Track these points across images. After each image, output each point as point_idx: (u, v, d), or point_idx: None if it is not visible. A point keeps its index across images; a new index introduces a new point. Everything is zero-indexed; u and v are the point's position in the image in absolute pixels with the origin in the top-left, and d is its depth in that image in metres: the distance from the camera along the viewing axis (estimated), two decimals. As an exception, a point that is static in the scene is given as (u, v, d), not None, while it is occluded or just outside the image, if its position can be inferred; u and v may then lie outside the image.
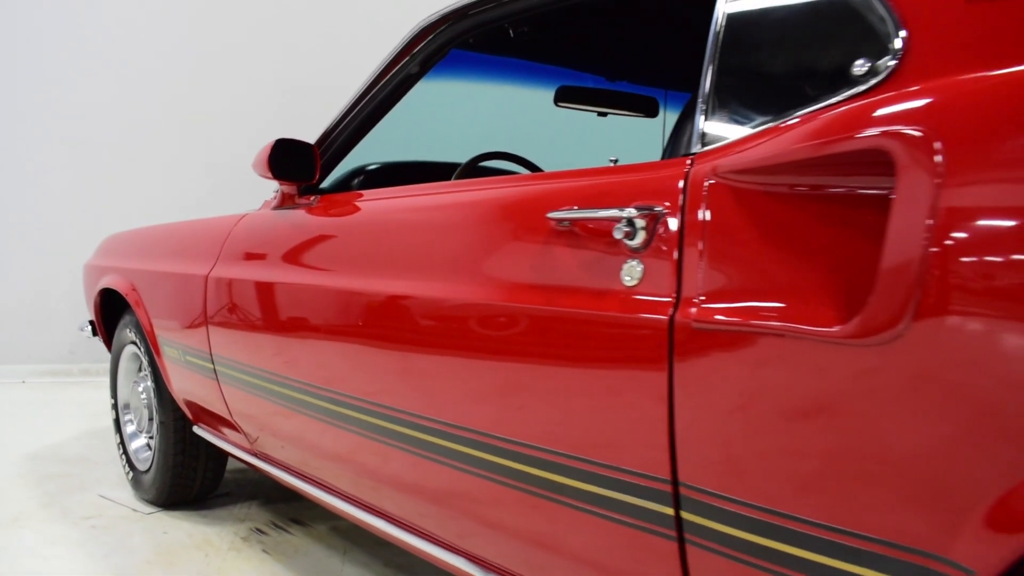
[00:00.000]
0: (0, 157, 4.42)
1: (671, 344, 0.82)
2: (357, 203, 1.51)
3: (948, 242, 0.62)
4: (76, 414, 3.55)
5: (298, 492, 1.71)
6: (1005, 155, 0.62)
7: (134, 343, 2.33)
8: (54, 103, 4.44)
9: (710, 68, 0.91)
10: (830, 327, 0.69)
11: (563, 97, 1.85)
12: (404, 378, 1.23)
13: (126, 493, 2.43)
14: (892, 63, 0.75)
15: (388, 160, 1.83)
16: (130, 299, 2.24)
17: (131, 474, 2.41)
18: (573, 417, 0.94)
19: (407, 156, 1.89)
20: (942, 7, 0.73)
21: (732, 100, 0.89)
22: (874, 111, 0.71)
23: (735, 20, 0.91)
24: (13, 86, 4.42)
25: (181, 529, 2.15)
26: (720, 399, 0.79)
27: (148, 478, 2.31)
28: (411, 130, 1.94)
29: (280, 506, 2.34)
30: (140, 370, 2.38)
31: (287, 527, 2.17)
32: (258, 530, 2.14)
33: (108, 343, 2.60)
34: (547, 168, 1.82)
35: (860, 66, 0.77)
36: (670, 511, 0.85)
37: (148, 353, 2.21)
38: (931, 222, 0.63)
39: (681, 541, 0.85)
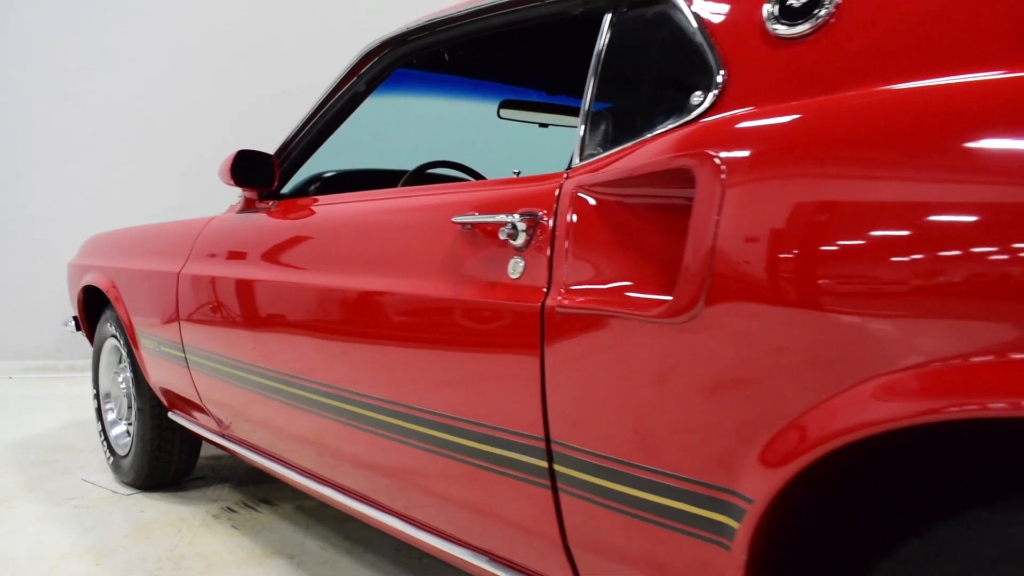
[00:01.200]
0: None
1: (542, 326, 1.00)
2: (312, 207, 1.68)
3: (728, 242, 0.80)
4: (61, 407, 3.71)
5: (260, 468, 1.88)
6: (775, 173, 0.80)
7: (114, 336, 2.50)
8: (40, 108, 4.59)
9: (586, 100, 1.10)
10: (652, 310, 0.88)
11: (506, 109, 2.03)
12: (343, 360, 1.40)
13: (107, 477, 2.60)
14: (714, 96, 0.93)
15: (343, 168, 2.01)
16: (110, 295, 2.41)
17: (112, 459, 2.58)
18: (474, 389, 1.12)
19: (361, 164, 2.06)
20: (751, 53, 0.92)
21: (601, 125, 1.07)
22: (688, 136, 0.90)
23: (606, 58, 1.10)
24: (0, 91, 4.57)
25: (157, 508, 2.32)
26: (580, 370, 0.97)
27: (127, 462, 2.48)
28: (366, 140, 2.11)
29: (250, 488, 2.51)
30: (120, 362, 2.54)
31: (256, 506, 2.34)
32: (229, 509, 2.32)
33: (91, 337, 2.77)
34: (489, 174, 2.00)
35: (696, 97, 0.96)
36: (544, 464, 1.03)
37: (127, 345, 2.38)
38: (715, 226, 0.81)
39: (555, 489, 1.03)
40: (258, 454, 1.88)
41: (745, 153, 0.82)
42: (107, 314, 2.55)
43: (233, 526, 2.18)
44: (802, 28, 0.88)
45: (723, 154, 0.83)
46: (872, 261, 0.70)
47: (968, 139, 0.67)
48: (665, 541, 0.91)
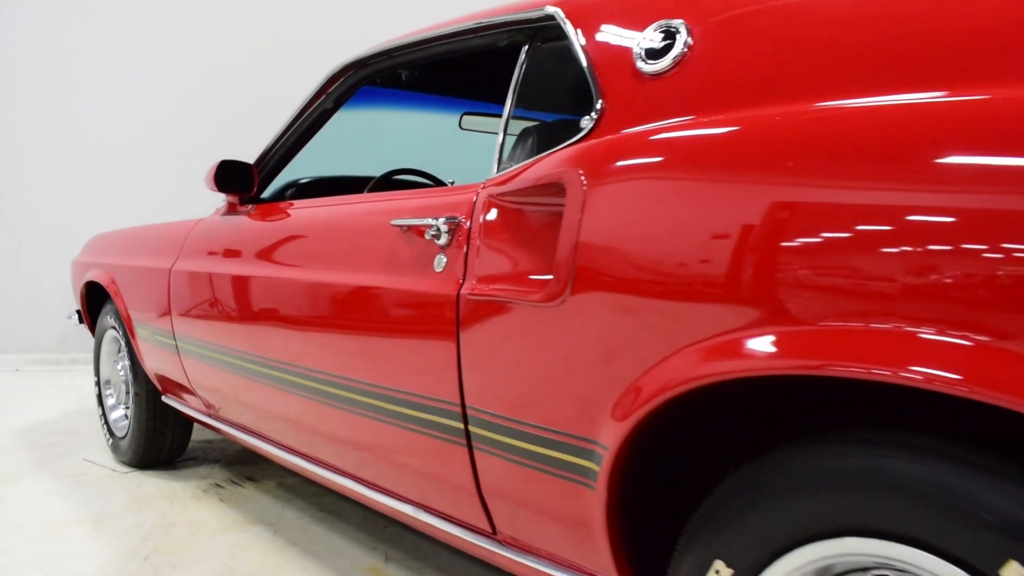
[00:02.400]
0: (-4, 163, 4.80)
1: (458, 310, 1.21)
2: (287, 211, 1.89)
3: (588, 241, 1.01)
4: (65, 396, 3.93)
5: (239, 442, 2.10)
6: (620, 186, 1.01)
7: (114, 328, 2.72)
8: (45, 112, 4.82)
9: (503, 120, 1.31)
10: (535, 296, 1.08)
11: (466, 122, 2.24)
12: (305, 343, 1.62)
13: (107, 457, 2.82)
14: (594, 122, 1.14)
15: (317, 175, 2.22)
16: (110, 290, 2.63)
17: (111, 440, 2.80)
18: (407, 364, 1.34)
19: (335, 171, 2.27)
20: (623, 86, 1.13)
21: (513, 142, 1.28)
22: (567, 155, 1.11)
23: (521, 85, 1.31)
24: (7, 98, 4.80)
25: (152, 484, 2.54)
26: (486, 346, 1.18)
27: (125, 443, 2.70)
28: (341, 149, 2.32)
29: (237, 467, 2.73)
30: (119, 351, 2.76)
31: (241, 483, 2.55)
32: (217, 485, 2.53)
33: (92, 329, 2.99)
34: (449, 179, 2.21)
35: (584, 122, 1.17)
36: (461, 426, 1.24)
37: (125, 335, 2.59)
38: (578, 228, 1.02)
39: (470, 447, 1.24)
40: (236, 429, 2.09)
41: (601, 169, 1.03)
42: (107, 307, 2.77)
43: (220, 499, 2.39)
44: (661, 66, 1.09)
45: (585, 170, 1.04)
46: (678, 257, 0.91)
47: (752, 155, 0.88)
48: (550, 485, 1.12)
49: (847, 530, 0.83)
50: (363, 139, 2.45)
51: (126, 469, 2.70)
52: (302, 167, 2.20)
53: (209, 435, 3.11)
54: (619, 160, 1.02)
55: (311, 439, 1.74)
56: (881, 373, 0.74)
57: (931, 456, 0.77)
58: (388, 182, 2.12)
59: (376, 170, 2.22)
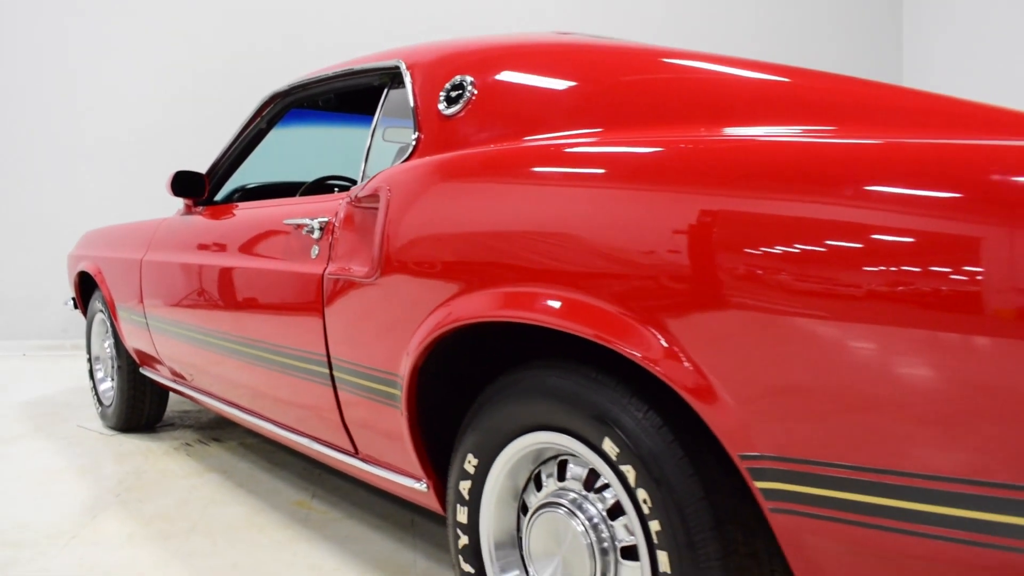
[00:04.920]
0: (4, 168, 5.29)
1: (323, 287, 1.65)
2: (231, 211, 2.34)
3: (390, 234, 1.45)
4: (66, 377, 4.41)
5: (193, 400, 2.55)
6: (410, 195, 1.44)
7: (101, 311, 3.18)
8: (49, 115, 5.31)
9: (368, 144, 1.75)
10: (363, 274, 1.52)
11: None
12: (233, 314, 2.06)
13: (97, 424, 3.28)
14: (412, 149, 1.57)
15: (262, 181, 2.66)
16: (97, 279, 3.09)
17: (100, 408, 3.26)
18: (293, 327, 1.78)
19: (277, 178, 2.71)
20: (430, 123, 1.56)
21: (370, 161, 1.72)
22: (386, 172, 1.54)
23: (380, 119, 1.74)
24: (15, 102, 5.29)
25: (132, 444, 3.00)
26: (340, 312, 1.61)
27: (111, 410, 3.16)
28: (287, 158, 2.77)
29: (207, 431, 3.18)
30: (106, 331, 3.22)
31: (208, 443, 3.01)
32: (187, 444, 2.99)
33: (85, 313, 3.46)
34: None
35: (407, 149, 1.60)
36: (327, 371, 1.68)
37: (109, 317, 3.05)
38: (384, 225, 1.45)
39: (334, 387, 1.68)
40: (192, 389, 2.54)
41: (397, 185, 1.47)
42: (96, 294, 3.23)
43: (187, 454, 2.85)
44: (455, 109, 1.52)
45: (389, 185, 1.48)
46: (433, 247, 1.34)
47: (483, 175, 1.31)
48: (380, 410, 1.55)
49: (537, 426, 1.26)
50: (303, 150, 2.88)
51: (112, 433, 3.16)
52: (258, 173, 2.65)
53: (186, 406, 3.57)
54: (407, 179, 1.46)
55: (237, 390, 2.19)
56: (536, 319, 1.17)
57: (572, 373, 1.19)
58: (318, 186, 2.56)
59: (311, 176, 2.67)
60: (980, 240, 0.78)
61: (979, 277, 0.77)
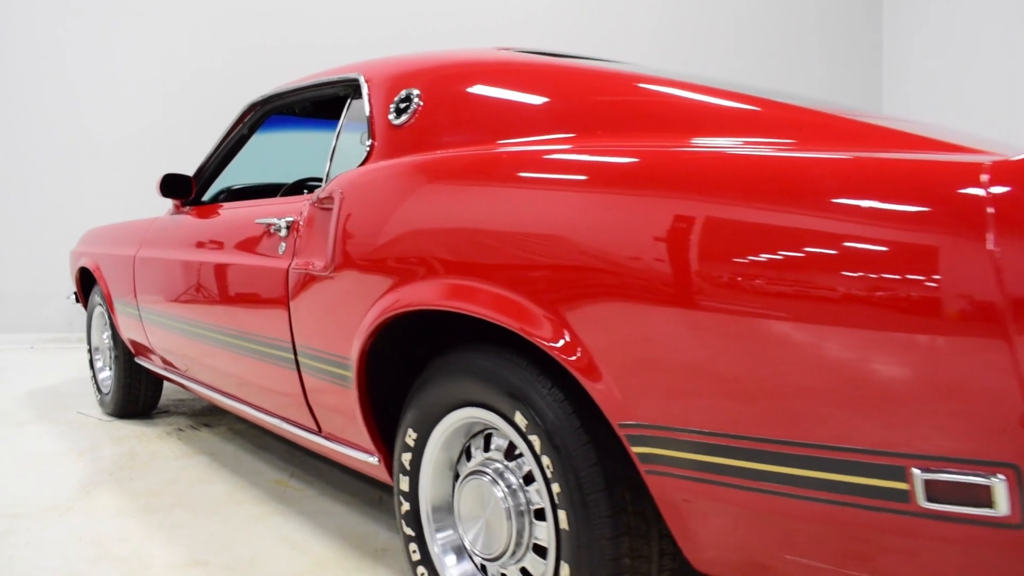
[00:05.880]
0: (10, 170, 5.50)
1: (288, 280, 1.82)
2: (216, 211, 2.51)
3: (342, 232, 1.61)
4: (70, 369, 4.61)
5: (183, 387, 2.72)
6: (360, 197, 1.60)
7: (100, 304, 3.36)
8: (53, 117, 5.51)
9: (332, 150, 1.91)
10: (320, 268, 1.68)
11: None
12: (215, 306, 2.24)
13: (96, 411, 3.47)
14: (366, 155, 1.74)
15: (246, 182, 2.83)
16: (96, 274, 3.27)
17: (99, 396, 3.45)
18: (263, 316, 1.95)
19: (260, 180, 2.89)
20: (382, 132, 1.72)
21: (335, 165, 1.89)
22: (342, 176, 1.70)
23: (342, 128, 1.91)
24: (20, 106, 5.49)
25: (128, 429, 3.18)
26: (303, 302, 1.78)
27: (109, 398, 3.34)
28: (271, 161, 2.94)
29: (199, 417, 3.36)
30: (104, 323, 3.41)
31: (199, 428, 3.19)
32: (179, 429, 3.17)
33: (86, 306, 3.65)
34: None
35: (363, 155, 1.76)
36: (292, 356, 1.85)
37: (107, 310, 3.23)
38: (337, 224, 1.62)
39: (299, 371, 1.85)
40: (180, 376, 2.72)
41: (347, 188, 1.63)
42: (95, 288, 3.42)
43: (179, 439, 3.03)
44: (404, 119, 1.69)
45: (340, 187, 1.64)
46: (375, 246, 1.51)
47: (422, 180, 1.48)
48: (336, 390, 1.71)
49: (465, 402, 1.42)
50: (290, 153, 3.05)
51: (109, 419, 3.34)
52: (249, 175, 2.83)
53: (181, 395, 3.76)
54: (358, 182, 1.63)
55: (219, 376, 2.37)
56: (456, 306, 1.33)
57: (492, 355, 1.35)
58: (298, 187, 2.73)
59: (295, 177, 2.84)
60: (808, 229, 0.93)
61: (809, 258, 0.92)
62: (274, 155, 2.85)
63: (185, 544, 2.00)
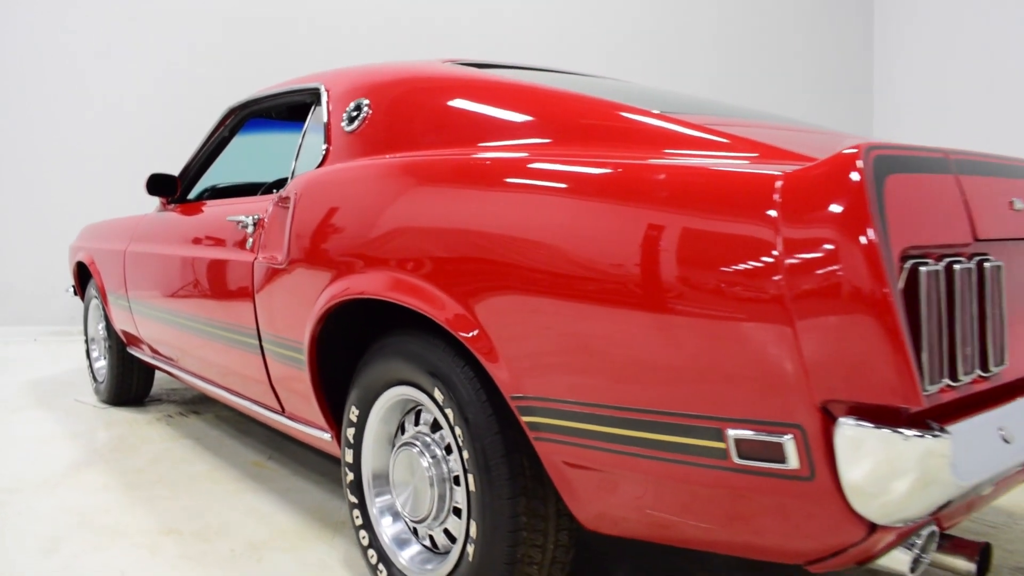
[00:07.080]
0: (16, 168, 5.71)
1: (254, 271, 1.99)
2: (199, 208, 2.69)
3: (295, 229, 1.78)
4: (71, 360, 4.80)
5: (170, 375, 2.90)
6: (311, 197, 1.77)
7: (95, 296, 3.55)
8: (57, 118, 5.72)
9: (296, 152, 2.09)
10: (276, 260, 1.86)
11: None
12: (194, 297, 2.41)
13: (92, 399, 3.66)
14: (322, 158, 1.91)
15: (230, 181, 3.01)
16: (91, 268, 3.46)
17: (94, 384, 3.64)
18: (233, 306, 2.12)
19: (243, 179, 3.07)
20: (336, 138, 1.89)
21: (298, 165, 2.06)
22: (299, 178, 1.87)
23: (307, 132, 2.08)
24: (26, 106, 5.70)
25: (120, 415, 3.37)
26: (267, 292, 1.95)
27: (104, 386, 3.53)
28: (252, 161, 3.12)
29: (189, 405, 3.55)
30: (100, 315, 3.60)
31: (187, 415, 3.37)
32: (168, 416, 3.36)
33: (83, 299, 3.84)
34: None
35: (319, 159, 1.93)
36: (257, 342, 2.02)
37: (102, 302, 3.42)
38: (290, 221, 1.79)
39: (263, 355, 2.02)
40: (166, 362, 2.90)
41: (301, 189, 1.81)
42: (91, 281, 3.61)
43: (167, 424, 3.21)
44: (355, 126, 1.86)
45: (296, 187, 1.82)
46: (322, 241, 1.68)
47: (368, 182, 1.65)
48: (293, 374, 1.88)
49: (398, 381, 1.59)
50: (270, 154, 3.24)
51: (104, 406, 3.53)
52: (233, 174, 3.01)
53: (173, 384, 3.95)
54: (310, 183, 1.80)
55: (198, 363, 2.55)
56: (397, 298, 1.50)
57: (419, 339, 1.52)
58: (278, 186, 2.90)
59: (273, 177, 3.02)
60: (640, 231, 1.09)
61: (645, 257, 1.09)
62: (259, 156, 3.03)
63: (161, 515, 2.18)
